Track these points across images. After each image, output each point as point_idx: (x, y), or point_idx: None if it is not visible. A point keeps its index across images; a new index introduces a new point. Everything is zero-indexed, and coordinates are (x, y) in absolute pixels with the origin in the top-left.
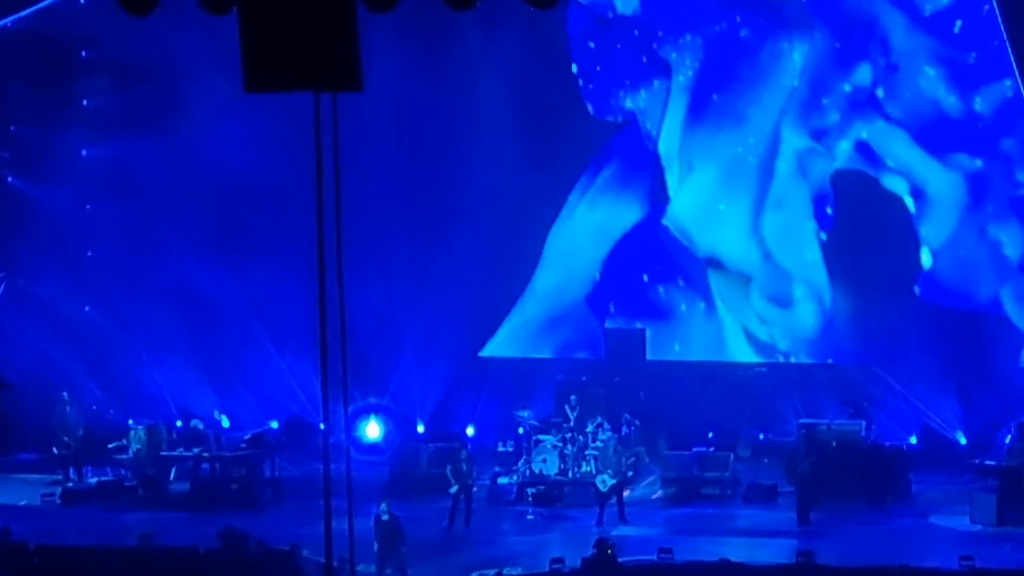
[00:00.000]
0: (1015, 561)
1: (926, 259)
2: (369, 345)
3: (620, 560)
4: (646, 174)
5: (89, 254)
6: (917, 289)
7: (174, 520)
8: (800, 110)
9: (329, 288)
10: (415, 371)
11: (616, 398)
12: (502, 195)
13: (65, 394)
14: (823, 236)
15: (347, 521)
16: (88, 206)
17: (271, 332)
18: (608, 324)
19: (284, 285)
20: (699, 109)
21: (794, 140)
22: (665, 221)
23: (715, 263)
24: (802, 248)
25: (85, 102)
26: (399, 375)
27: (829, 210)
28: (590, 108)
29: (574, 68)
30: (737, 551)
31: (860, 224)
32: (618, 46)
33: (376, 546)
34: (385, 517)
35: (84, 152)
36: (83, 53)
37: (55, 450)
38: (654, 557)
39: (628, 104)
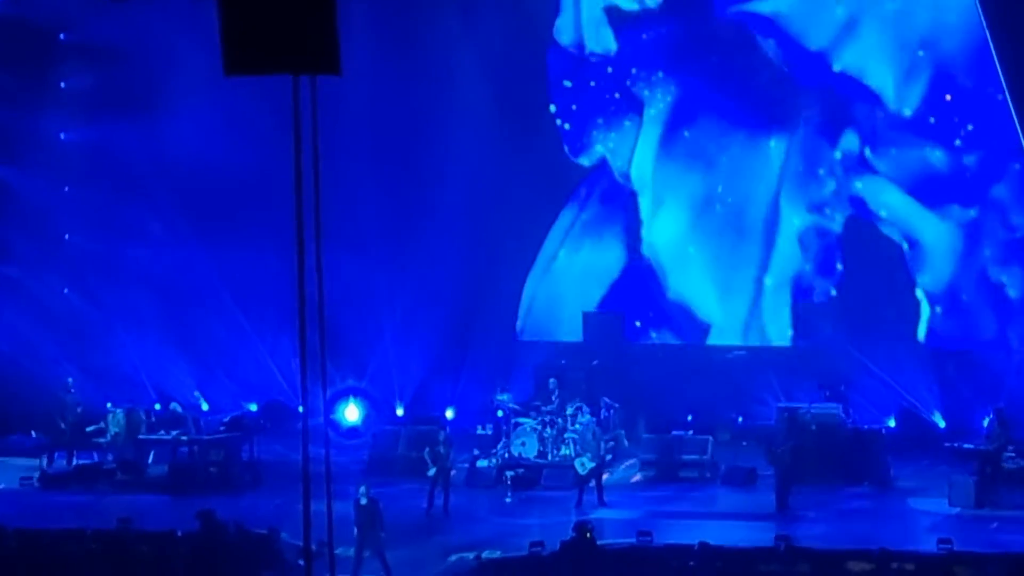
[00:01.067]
0: (993, 544)
1: (927, 308)
2: (348, 328)
3: (599, 543)
4: (624, 214)
5: (67, 237)
6: (922, 336)
7: (153, 503)
8: (797, 184)
9: (308, 271)
10: (394, 354)
11: (595, 381)
12: (480, 178)
13: (70, 380)
14: (834, 291)
15: (326, 504)
16: (66, 188)
17: (250, 315)
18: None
19: (263, 268)
20: (669, 142)
21: (794, 218)
22: (644, 250)
23: (683, 304)
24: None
25: (63, 85)
26: (378, 358)
27: (840, 265)
28: (567, 149)
29: (552, 108)
30: (716, 534)
31: (861, 280)
32: (592, 83)
33: (355, 529)
34: (363, 500)
35: (62, 136)
36: (61, 36)
37: (33, 433)
38: (633, 540)
39: (599, 148)
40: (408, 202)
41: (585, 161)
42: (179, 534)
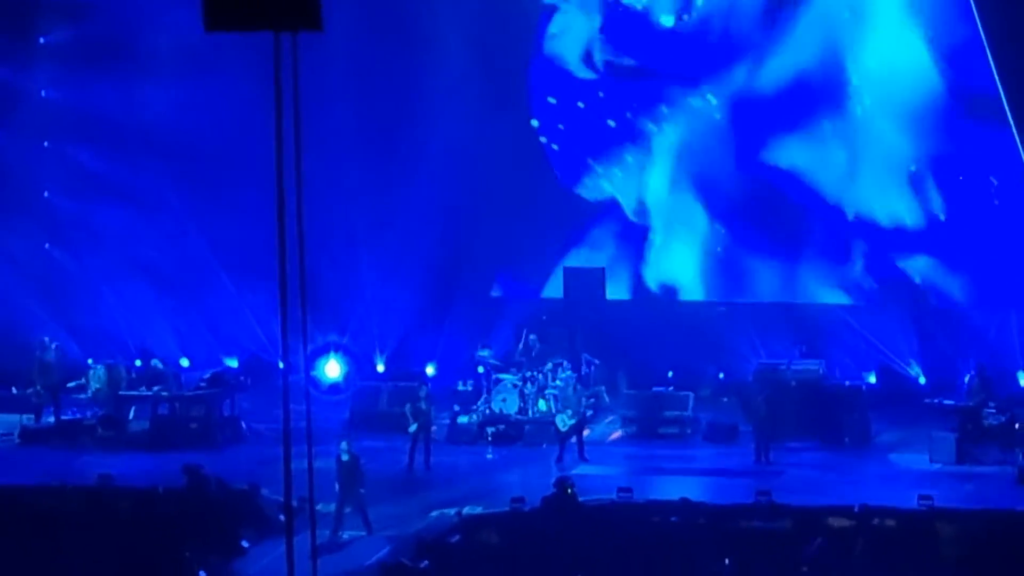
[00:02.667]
0: (974, 500)
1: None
2: (329, 284)
3: (580, 499)
4: (638, 252)
5: (46, 194)
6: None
7: (133, 459)
8: (824, 274)
9: (289, 227)
10: (375, 310)
11: (576, 337)
12: (466, 136)
13: (47, 339)
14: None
15: (306, 460)
16: (46, 144)
17: (231, 271)
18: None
19: (243, 224)
20: (679, 174)
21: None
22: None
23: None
24: None
25: (43, 40)
26: (359, 314)
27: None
28: (557, 175)
29: (535, 123)
30: (697, 490)
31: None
32: (580, 104)
33: (336, 485)
34: (345, 456)
35: (43, 93)
36: None
37: (14, 390)
38: (614, 496)
39: (605, 185)
40: (390, 158)
41: (585, 193)
42: (160, 490)
